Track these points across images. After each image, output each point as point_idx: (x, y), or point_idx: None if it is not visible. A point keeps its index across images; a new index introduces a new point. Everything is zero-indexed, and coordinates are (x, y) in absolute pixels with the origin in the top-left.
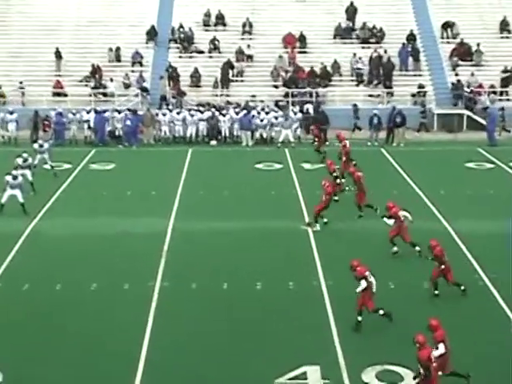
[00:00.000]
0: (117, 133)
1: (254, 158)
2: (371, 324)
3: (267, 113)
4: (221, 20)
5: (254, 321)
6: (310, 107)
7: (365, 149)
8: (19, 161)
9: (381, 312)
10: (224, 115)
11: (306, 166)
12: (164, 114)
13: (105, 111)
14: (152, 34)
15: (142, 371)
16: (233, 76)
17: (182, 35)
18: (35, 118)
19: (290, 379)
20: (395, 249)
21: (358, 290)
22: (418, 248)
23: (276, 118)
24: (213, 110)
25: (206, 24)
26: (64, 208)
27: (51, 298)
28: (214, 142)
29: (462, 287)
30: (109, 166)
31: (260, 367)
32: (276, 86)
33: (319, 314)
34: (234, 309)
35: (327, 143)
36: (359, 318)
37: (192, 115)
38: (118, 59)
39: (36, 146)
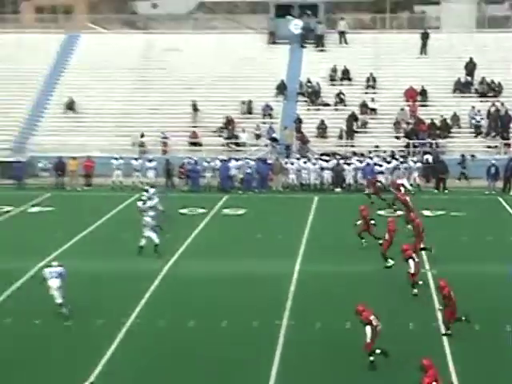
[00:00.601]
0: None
1: (376, 205)
2: (489, 364)
3: (388, 162)
4: (346, 75)
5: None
6: (429, 157)
7: (483, 197)
8: (140, 203)
9: (377, 351)
10: (348, 164)
11: (426, 212)
12: (292, 163)
13: (237, 159)
14: (282, 88)
15: None
16: (357, 127)
17: (310, 89)
18: (167, 166)
19: None
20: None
21: (368, 336)
22: (415, 291)
23: (396, 166)
24: (338, 158)
25: (332, 79)
26: (198, 250)
27: (184, 334)
28: (338, 190)
29: (449, 332)
30: (240, 211)
31: None
32: (398, 137)
33: (437, 355)
34: (356, 348)
35: (446, 191)
36: (371, 359)
37: (314, 164)
38: (250, 111)
39: (144, 192)
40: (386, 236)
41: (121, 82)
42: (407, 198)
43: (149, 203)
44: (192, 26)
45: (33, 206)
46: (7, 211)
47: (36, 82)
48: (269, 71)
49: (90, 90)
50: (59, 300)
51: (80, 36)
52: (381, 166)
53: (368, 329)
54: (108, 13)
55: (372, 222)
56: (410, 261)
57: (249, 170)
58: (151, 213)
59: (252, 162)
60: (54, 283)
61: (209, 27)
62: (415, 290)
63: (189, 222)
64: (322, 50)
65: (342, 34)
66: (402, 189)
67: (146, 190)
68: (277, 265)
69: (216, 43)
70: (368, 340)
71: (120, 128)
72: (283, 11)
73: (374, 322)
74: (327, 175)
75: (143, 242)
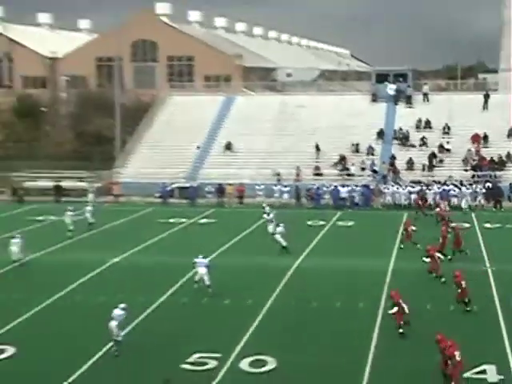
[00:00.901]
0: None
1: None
2: None
3: (459, 188)
4: (428, 124)
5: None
6: (489, 185)
7: None
8: (265, 215)
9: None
10: (429, 189)
11: (487, 225)
12: (388, 188)
13: (347, 185)
14: (381, 134)
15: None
16: (436, 163)
17: (401, 135)
18: (297, 190)
19: (475, 373)
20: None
21: (392, 311)
22: (443, 279)
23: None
24: (421, 185)
25: (417, 127)
26: (319, 250)
27: (309, 311)
28: None
29: (468, 308)
30: (350, 223)
31: None
32: (466, 170)
33: (495, 332)
34: (431, 322)
35: (502, 210)
36: (401, 330)
37: (404, 188)
38: (357, 151)
39: (267, 208)
40: (440, 239)
41: (264, 129)
42: (446, 214)
43: (270, 216)
44: (316, 89)
45: (201, 218)
46: (183, 222)
47: (204, 130)
48: (371, 122)
49: (242, 135)
50: (207, 282)
51: (236, 97)
52: (454, 190)
53: (395, 309)
54: (256, 80)
55: (414, 228)
56: (431, 258)
57: (355, 193)
58: (280, 224)
59: (358, 188)
60: (202, 271)
61: (328, 90)
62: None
63: (313, 231)
64: (410, 107)
65: (425, 94)
66: (442, 206)
67: (264, 207)
68: (376, 262)
69: (333, 101)
70: (394, 313)
71: (263, 162)
72: (382, 78)
73: (402, 304)
74: (414, 197)
75: (283, 243)
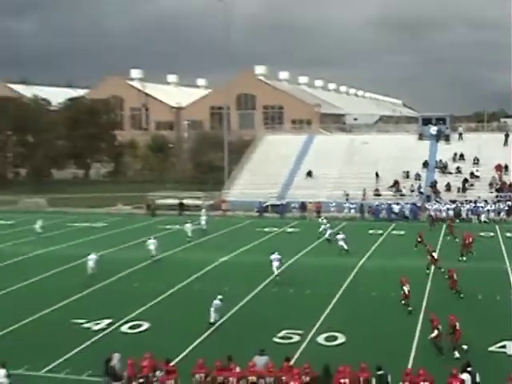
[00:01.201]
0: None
1: (478, 230)
2: None
3: (484, 206)
4: (461, 157)
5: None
6: (510, 203)
7: None
8: (323, 226)
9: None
10: (463, 206)
11: (508, 234)
12: (431, 205)
13: (398, 203)
14: (426, 164)
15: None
16: (468, 186)
17: (441, 165)
18: (361, 207)
19: (497, 347)
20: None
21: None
22: (442, 269)
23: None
24: (457, 202)
25: (454, 159)
26: (378, 253)
27: (369, 299)
28: (457, 221)
29: (462, 295)
30: (402, 232)
31: (474, 337)
32: (491, 192)
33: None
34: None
35: None
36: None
37: (443, 205)
38: (407, 177)
39: (324, 220)
40: (461, 242)
41: (336, 160)
42: (453, 225)
43: (328, 225)
44: (376, 130)
45: (288, 228)
46: (274, 231)
47: (291, 161)
48: (418, 155)
49: (320, 165)
50: (276, 272)
51: (315, 136)
52: (483, 207)
53: (405, 288)
54: (330, 123)
55: (419, 239)
56: (434, 254)
57: (405, 209)
58: (341, 232)
59: (408, 205)
60: (275, 264)
61: (385, 131)
62: (442, 269)
63: (373, 238)
64: (448, 143)
65: (460, 134)
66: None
67: (322, 219)
68: (422, 261)
69: (389, 139)
70: (406, 293)
71: (335, 185)
72: (426, 121)
73: (407, 287)
74: (451, 212)
75: (345, 247)
